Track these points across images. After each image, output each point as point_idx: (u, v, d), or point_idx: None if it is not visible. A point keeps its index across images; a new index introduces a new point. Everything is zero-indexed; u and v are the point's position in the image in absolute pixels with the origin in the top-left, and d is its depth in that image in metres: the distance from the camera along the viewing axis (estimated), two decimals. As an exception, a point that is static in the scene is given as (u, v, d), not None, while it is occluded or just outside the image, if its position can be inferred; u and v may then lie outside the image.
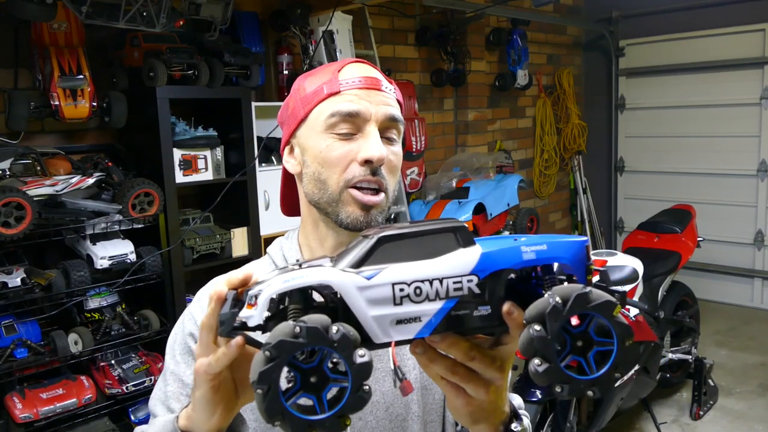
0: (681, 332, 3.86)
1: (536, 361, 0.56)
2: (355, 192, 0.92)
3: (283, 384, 0.54)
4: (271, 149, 3.29)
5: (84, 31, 2.70)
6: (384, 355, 0.96)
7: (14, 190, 2.32)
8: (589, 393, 0.57)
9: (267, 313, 0.58)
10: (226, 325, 0.60)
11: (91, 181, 2.62)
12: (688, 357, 3.76)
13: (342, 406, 0.54)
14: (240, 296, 0.64)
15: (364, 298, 0.57)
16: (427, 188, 4.32)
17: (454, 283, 0.58)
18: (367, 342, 0.58)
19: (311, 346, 0.53)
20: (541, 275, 0.62)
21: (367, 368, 0.54)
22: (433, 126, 4.75)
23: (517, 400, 1.04)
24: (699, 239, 3.95)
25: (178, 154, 2.91)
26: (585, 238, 0.62)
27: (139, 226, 2.78)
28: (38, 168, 2.62)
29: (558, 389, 0.56)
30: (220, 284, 0.67)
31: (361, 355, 0.54)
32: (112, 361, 2.77)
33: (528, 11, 5.01)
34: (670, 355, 3.65)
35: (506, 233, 4.36)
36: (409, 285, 0.58)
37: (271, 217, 3.23)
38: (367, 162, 0.91)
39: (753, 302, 5.53)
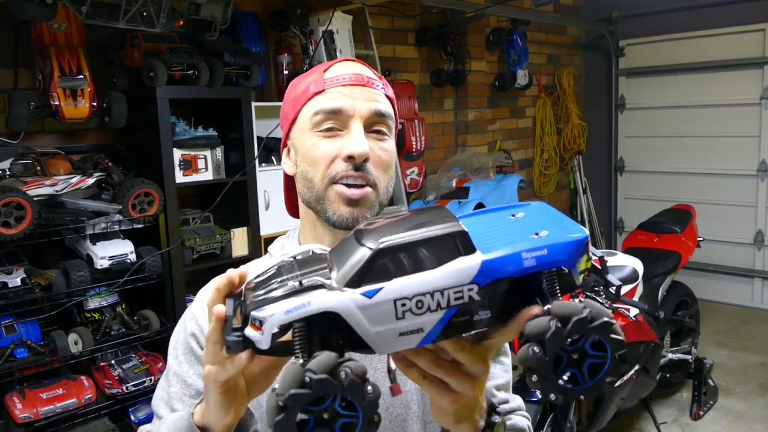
0: (681, 332, 3.86)
1: (534, 377, 0.57)
2: (339, 187, 0.92)
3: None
4: (271, 149, 3.29)
5: (84, 31, 2.70)
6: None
7: (14, 190, 2.32)
8: (581, 397, 0.59)
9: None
10: (233, 350, 0.61)
11: (91, 181, 2.62)
12: (688, 357, 3.76)
13: None
14: (241, 295, 0.65)
15: (366, 317, 0.57)
16: (427, 188, 4.32)
17: (455, 293, 0.58)
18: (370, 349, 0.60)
19: (322, 394, 0.55)
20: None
21: (376, 403, 0.56)
22: (433, 126, 4.75)
23: (517, 401, 1.04)
24: (699, 239, 3.95)
25: (178, 154, 2.91)
26: (584, 235, 0.61)
27: (139, 226, 2.78)
28: (38, 168, 2.62)
29: (553, 397, 0.58)
30: (216, 299, 0.67)
31: (370, 392, 0.56)
32: (112, 361, 2.77)
33: (528, 11, 5.01)
34: (670, 355, 3.65)
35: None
36: (410, 299, 0.57)
37: (271, 217, 3.23)
38: (349, 158, 0.91)
39: (753, 302, 5.53)
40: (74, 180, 2.58)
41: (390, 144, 0.98)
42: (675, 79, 5.70)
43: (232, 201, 3.07)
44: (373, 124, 0.95)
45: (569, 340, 0.57)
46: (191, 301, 1.10)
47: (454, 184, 4.27)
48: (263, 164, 3.24)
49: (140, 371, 2.72)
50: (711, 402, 3.82)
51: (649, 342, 3.26)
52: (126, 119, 2.76)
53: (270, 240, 1.13)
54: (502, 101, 5.38)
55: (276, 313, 0.57)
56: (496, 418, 0.75)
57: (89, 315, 2.74)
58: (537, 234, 0.61)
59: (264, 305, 0.58)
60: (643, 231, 4.01)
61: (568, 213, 6.25)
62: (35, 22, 2.56)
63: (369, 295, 0.57)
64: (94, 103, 2.65)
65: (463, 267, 0.58)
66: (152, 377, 2.71)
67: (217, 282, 0.68)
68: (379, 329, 0.58)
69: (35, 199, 2.40)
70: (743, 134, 5.41)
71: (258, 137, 3.16)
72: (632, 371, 3.09)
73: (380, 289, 0.57)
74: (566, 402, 0.58)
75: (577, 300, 0.59)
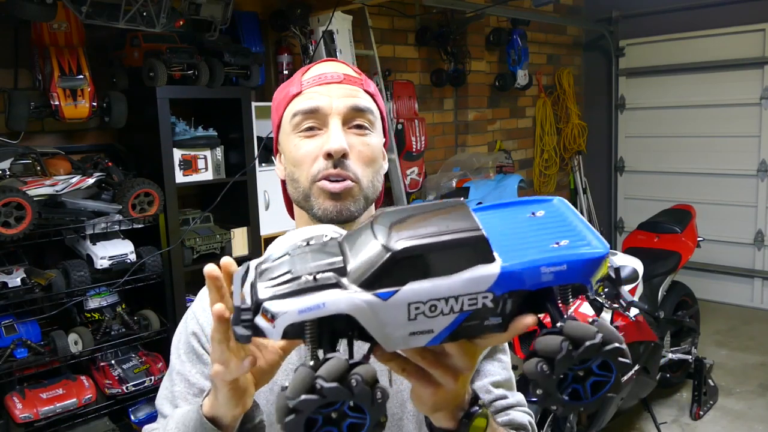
0: (681, 332, 3.86)
1: (538, 390, 0.58)
2: (322, 183, 0.94)
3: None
4: (271, 149, 3.28)
5: (84, 31, 2.70)
6: None
7: (14, 190, 2.32)
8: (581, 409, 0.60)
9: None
10: (243, 340, 0.61)
11: (91, 181, 2.62)
12: (688, 357, 3.76)
13: None
14: (248, 272, 0.65)
15: (378, 317, 0.57)
16: (427, 188, 4.32)
17: (470, 299, 0.58)
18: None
19: (332, 401, 0.55)
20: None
21: (384, 406, 0.57)
22: (433, 126, 4.75)
23: (517, 397, 1.04)
24: (699, 239, 3.95)
25: (178, 154, 2.91)
26: (605, 250, 0.59)
27: (139, 226, 2.78)
28: (38, 168, 2.62)
29: (553, 408, 0.59)
30: (214, 299, 0.69)
31: (379, 397, 0.56)
32: (112, 361, 2.77)
33: (528, 11, 5.01)
34: (670, 355, 3.65)
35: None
36: (424, 303, 0.57)
37: (271, 217, 3.23)
38: (328, 155, 0.93)
39: (753, 302, 5.53)
40: (74, 180, 2.58)
41: (373, 138, 0.99)
42: (675, 79, 5.70)
43: (232, 201, 3.07)
44: (352, 120, 0.97)
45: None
46: (191, 301, 1.10)
47: (454, 184, 4.27)
48: (263, 164, 3.24)
49: (140, 371, 2.72)
50: (711, 402, 3.82)
51: (649, 342, 3.26)
52: (126, 119, 2.76)
53: (270, 240, 1.14)
54: (502, 101, 5.38)
55: (289, 312, 0.56)
56: (476, 409, 0.74)
57: (89, 315, 2.74)
58: (557, 243, 0.60)
59: (276, 299, 0.57)
60: (643, 231, 4.01)
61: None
62: (35, 22, 2.56)
63: (383, 297, 0.57)
64: (94, 103, 2.65)
65: (480, 276, 0.57)
66: (152, 377, 2.71)
67: (206, 283, 0.70)
68: (390, 329, 0.58)
69: (35, 199, 2.40)
70: (743, 134, 5.40)
71: (258, 137, 3.16)
72: (632, 371, 3.09)
73: (395, 292, 0.57)
74: (564, 414, 0.59)
75: (588, 318, 0.58)
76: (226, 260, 0.74)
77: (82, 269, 2.58)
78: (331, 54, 3.47)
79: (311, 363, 0.57)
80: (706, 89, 5.53)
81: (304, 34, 3.50)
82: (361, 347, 0.61)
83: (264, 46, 3.49)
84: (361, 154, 0.96)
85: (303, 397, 0.54)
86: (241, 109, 3.08)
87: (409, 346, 0.60)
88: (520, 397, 1.03)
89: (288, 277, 0.59)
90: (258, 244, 3.19)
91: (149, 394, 2.75)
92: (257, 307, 0.58)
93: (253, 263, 0.67)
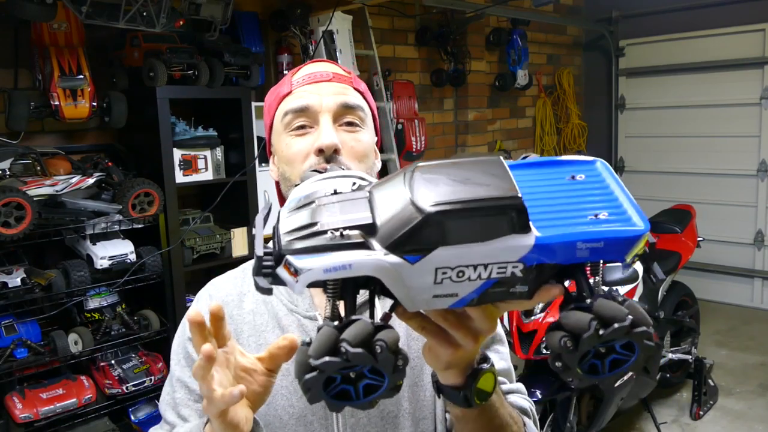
0: (681, 332, 3.86)
1: (558, 363, 0.57)
2: None
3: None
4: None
5: (84, 31, 2.70)
6: None
7: (14, 190, 2.31)
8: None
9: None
10: (265, 292, 0.58)
11: (91, 181, 2.62)
12: (688, 357, 3.76)
13: (376, 396, 0.58)
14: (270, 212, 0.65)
15: (404, 280, 0.56)
16: (427, 188, 4.31)
17: (499, 268, 0.55)
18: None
19: (355, 364, 0.55)
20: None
21: (404, 371, 0.57)
22: (433, 126, 4.75)
23: (516, 384, 1.04)
24: (699, 239, 3.95)
25: (178, 154, 2.91)
26: (645, 227, 0.56)
27: (139, 226, 2.78)
28: (38, 168, 2.62)
29: (569, 380, 0.58)
30: (199, 342, 0.72)
31: (400, 364, 0.56)
32: (112, 361, 2.77)
33: (528, 11, 5.01)
34: (670, 355, 3.65)
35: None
36: (452, 269, 0.55)
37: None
38: (320, 151, 0.94)
39: (753, 302, 5.53)
40: (74, 180, 2.58)
41: (364, 135, 1.00)
42: (675, 79, 5.70)
43: (232, 201, 3.07)
44: (342, 117, 0.98)
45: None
46: (191, 301, 1.11)
47: (454, 184, 4.26)
48: (263, 164, 3.23)
49: (140, 371, 2.72)
50: (711, 402, 3.82)
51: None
52: (126, 119, 2.76)
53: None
54: (502, 101, 5.38)
55: (314, 269, 0.54)
56: (485, 366, 0.74)
57: (89, 315, 2.74)
58: (596, 215, 0.56)
59: (302, 253, 0.55)
60: (643, 231, 4.00)
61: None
62: (35, 22, 2.56)
63: (411, 260, 0.54)
64: (94, 103, 2.66)
65: (513, 245, 0.54)
66: (152, 377, 2.71)
67: (189, 327, 0.72)
68: (415, 291, 0.57)
69: (35, 199, 2.40)
70: (743, 134, 5.40)
71: (258, 137, 3.16)
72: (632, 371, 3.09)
73: (423, 257, 0.54)
74: (580, 386, 0.58)
75: (619, 297, 0.57)
76: (215, 308, 0.74)
77: (82, 269, 2.58)
78: (331, 54, 3.47)
79: (335, 323, 0.56)
80: (706, 89, 5.53)
81: (304, 34, 3.50)
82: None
83: (264, 46, 3.49)
84: (352, 150, 0.96)
85: (327, 359, 0.54)
86: (241, 109, 3.08)
87: (431, 308, 0.59)
88: (519, 385, 1.04)
89: (314, 230, 0.56)
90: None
91: (149, 394, 2.75)
92: (279, 257, 0.56)
93: (275, 205, 0.66)
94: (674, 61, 5.64)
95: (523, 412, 0.96)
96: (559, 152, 5.94)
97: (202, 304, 1.05)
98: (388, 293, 0.58)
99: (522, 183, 0.56)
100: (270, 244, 0.59)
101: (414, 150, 4.11)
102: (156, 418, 2.39)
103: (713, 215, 5.46)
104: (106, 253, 2.65)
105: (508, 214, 0.54)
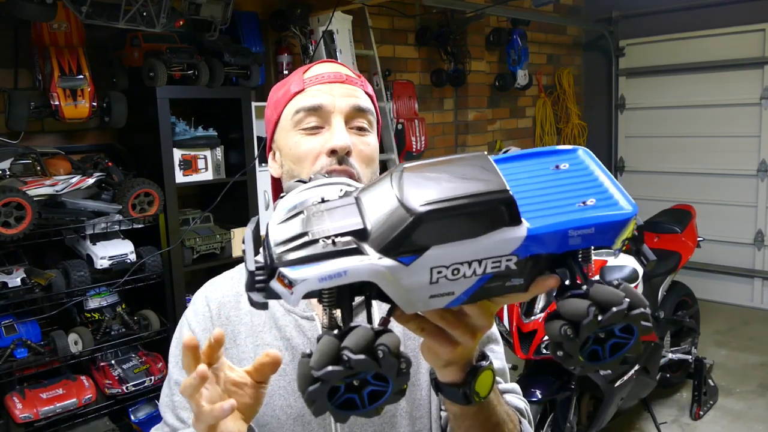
0: (681, 332, 3.86)
1: (559, 352, 0.57)
2: None
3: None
4: (271, 149, 3.29)
5: (84, 31, 2.70)
6: None
7: (14, 190, 2.31)
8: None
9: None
10: (259, 307, 0.58)
11: (91, 181, 2.62)
12: (688, 357, 3.76)
13: (381, 402, 0.58)
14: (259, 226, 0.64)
15: (399, 282, 0.56)
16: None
17: (493, 262, 0.56)
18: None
19: (359, 371, 0.55)
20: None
21: (407, 375, 0.56)
22: (433, 126, 4.75)
23: (512, 384, 1.04)
24: (699, 239, 3.95)
25: (178, 154, 2.91)
26: (633, 210, 0.57)
27: (139, 226, 2.78)
28: (38, 168, 2.62)
29: (572, 368, 0.58)
30: (190, 364, 0.72)
31: (404, 368, 0.56)
32: (112, 361, 2.77)
33: (528, 11, 5.01)
34: (670, 355, 3.65)
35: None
36: (447, 267, 0.55)
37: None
38: (332, 152, 0.94)
39: (753, 302, 5.53)
40: (74, 180, 2.58)
41: (372, 139, 1.00)
42: (675, 79, 5.69)
43: (232, 201, 3.07)
44: (353, 120, 0.98)
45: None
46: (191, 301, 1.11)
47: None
48: (263, 164, 3.23)
49: (140, 371, 2.72)
50: (711, 402, 3.82)
51: (649, 342, 3.26)
52: (126, 119, 2.76)
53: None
54: (502, 101, 5.38)
55: (309, 279, 0.54)
56: (483, 363, 0.74)
57: (89, 315, 2.74)
58: (584, 202, 0.57)
59: (294, 264, 0.55)
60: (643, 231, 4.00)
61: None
62: (35, 22, 2.56)
63: (406, 262, 0.54)
64: (94, 103, 2.66)
65: (506, 239, 0.55)
66: (152, 377, 2.71)
67: (182, 350, 0.73)
68: (411, 293, 0.57)
69: (35, 199, 2.40)
70: (743, 134, 5.40)
71: (258, 137, 3.16)
72: (632, 371, 3.09)
73: (417, 257, 0.54)
74: (583, 373, 0.58)
75: (614, 281, 0.57)
76: (218, 335, 0.75)
77: (82, 269, 2.58)
78: (331, 54, 3.47)
79: (335, 332, 0.56)
80: (706, 89, 5.53)
81: (304, 34, 3.50)
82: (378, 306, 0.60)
83: (264, 46, 3.49)
84: (362, 153, 0.97)
85: (329, 368, 0.53)
86: (241, 109, 3.08)
87: (428, 308, 0.59)
88: (514, 385, 1.04)
89: (305, 240, 0.56)
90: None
91: (149, 394, 2.75)
92: (272, 271, 0.56)
93: (263, 219, 0.66)
94: (674, 61, 5.64)
95: (519, 412, 0.96)
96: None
97: (198, 306, 1.05)
98: (384, 297, 0.58)
99: (508, 176, 0.57)
100: (260, 257, 0.59)
101: (414, 150, 4.11)
102: (156, 418, 2.39)
103: (713, 215, 5.46)
104: (106, 253, 2.65)
105: (498, 208, 0.55)
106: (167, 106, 2.79)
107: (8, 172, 2.53)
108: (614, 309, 0.55)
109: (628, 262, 3.33)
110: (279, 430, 0.96)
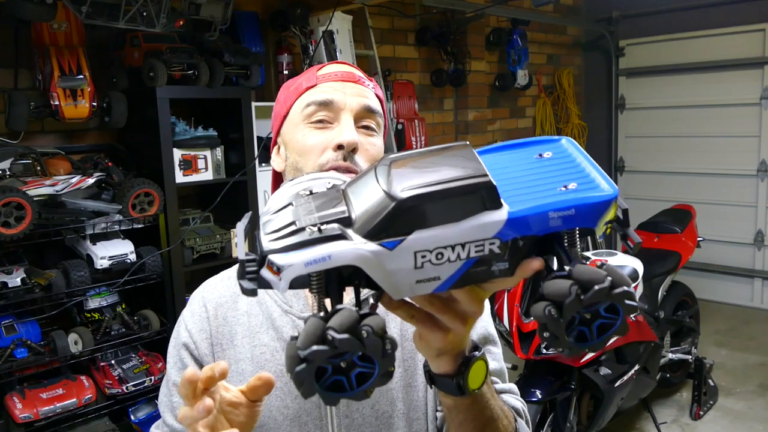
0: (681, 332, 3.86)
1: (546, 334, 0.57)
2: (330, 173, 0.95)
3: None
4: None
5: (84, 31, 2.70)
6: None
7: (14, 190, 2.32)
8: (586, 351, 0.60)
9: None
10: (250, 294, 0.59)
11: (91, 181, 2.62)
12: (688, 357, 3.76)
13: (369, 384, 0.58)
14: (253, 219, 0.65)
15: (385, 267, 0.57)
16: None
17: (476, 246, 0.57)
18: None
19: (343, 351, 0.55)
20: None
21: (393, 357, 0.57)
22: (433, 126, 4.75)
23: (509, 384, 1.04)
24: (699, 239, 3.95)
25: (178, 154, 2.91)
26: (614, 192, 0.58)
27: (139, 226, 2.78)
28: (38, 168, 2.62)
29: (560, 350, 0.59)
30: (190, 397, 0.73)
31: (389, 348, 0.56)
32: (112, 361, 2.77)
33: (528, 11, 5.01)
34: (670, 355, 3.65)
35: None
36: (431, 252, 0.57)
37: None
38: (339, 147, 0.94)
39: (753, 302, 5.53)
40: (74, 180, 2.58)
41: (378, 140, 1.02)
42: (675, 79, 5.70)
43: (232, 201, 3.07)
44: (362, 119, 0.99)
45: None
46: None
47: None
48: (263, 164, 3.23)
49: (140, 371, 2.72)
50: (711, 402, 3.82)
51: (649, 342, 3.26)
52: (126, 119, 2.76)
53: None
54: (502, 101, 5.38)
55: (295, 264, 0.56)
56: (476, 354, 0.75)
57: (89, 315, 2.74)
58: (565, 186, 0.59)
59: (282, 251, 0.56)
60: (643, 231, 4.01)
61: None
62: (35, 22, 2.56)
63: (389, 246, 0.56)
64: (94, 103, 2.66)
65: (487, 222, 0.57)
66: (152, 377, 2.71)
67: (180, 384, 0.74)
68: (397, 278, 0.58)
69: (35, 199, 2.40)
70: (743, 134, 5.41)
71: (258, 137, 3.16)
72: (632, 371, 3.09)
73: (401, 241, 0.56)
74: (572, 356, 0.59)
75: (597, 262, 0.58)
76: (221, 370, 0.76)
77: (82, 269, 2.58)
78: (331, 54, 3.47)
79: (321, 314, 0.57)
80: (706, 89, 5.53)
81: (304, 34, 3.50)
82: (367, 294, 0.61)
83: (264, 46, 3.49)
84: (367, 153, 0.98)
85: (314, 347, 0.54)
86: (241, 109, 3.08)
87: (416, 294, 0.60)
88: (512, 386, 1.04)
89: (292, 228, 0.58)
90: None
91: (149, 394, 2.75)
92: (262, 259, 0.58)
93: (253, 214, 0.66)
94: (674, 61, 5.64)
95: (515, 411, 0.96)
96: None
97: (195, 306, 1.05)
98: (373, 285, 0.59)
99: (492, 165, 0.59)
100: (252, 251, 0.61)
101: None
102: (156, 417, 2.39)
103: (713, 215, 5.46)
104: (106, 253, 2.65)
105: (478, 192, 0.56)
106: (167, 106, 2.79)
107: (8, 172, 2.53)
108: (596, 287, 0.55)
109: (628, 263, 3.33)
110: (276, 430, 0.96)
